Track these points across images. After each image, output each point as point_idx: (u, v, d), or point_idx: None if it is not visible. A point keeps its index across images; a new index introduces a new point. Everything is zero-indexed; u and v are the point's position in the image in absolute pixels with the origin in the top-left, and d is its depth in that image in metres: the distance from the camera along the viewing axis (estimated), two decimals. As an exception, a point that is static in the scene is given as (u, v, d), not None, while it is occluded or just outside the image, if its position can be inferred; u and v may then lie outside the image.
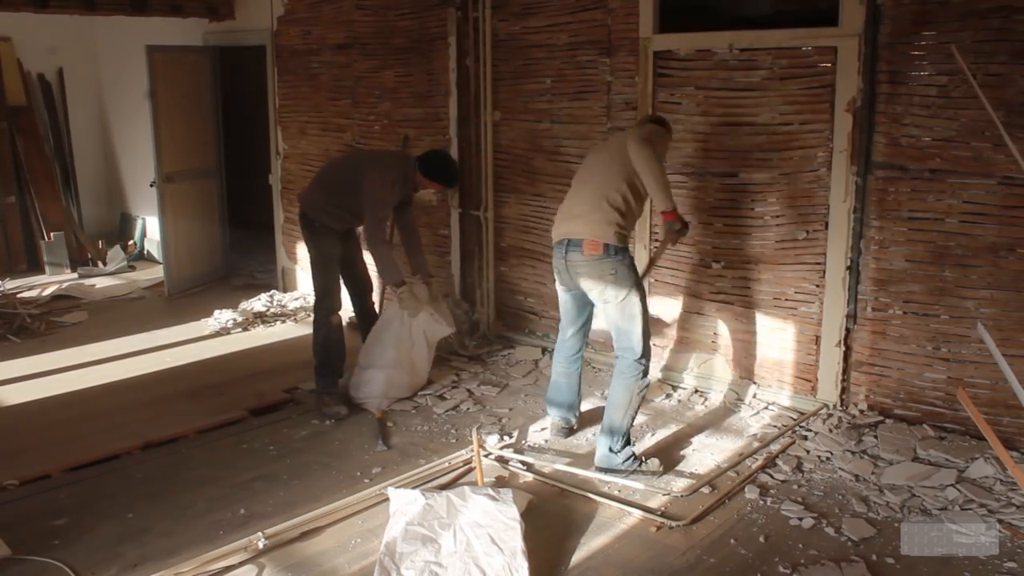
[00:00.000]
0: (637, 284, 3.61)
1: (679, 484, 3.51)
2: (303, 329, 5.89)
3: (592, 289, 3.63)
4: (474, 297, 5.59)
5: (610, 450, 3.64)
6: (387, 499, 3.23)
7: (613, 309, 3.62)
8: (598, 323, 3.94)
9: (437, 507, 3.04)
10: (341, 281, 4.55)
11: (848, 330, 4.06)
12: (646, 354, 3.65)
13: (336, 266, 4.49)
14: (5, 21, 7.21)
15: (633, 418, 3.68)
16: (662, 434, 4.02)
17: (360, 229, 4.57)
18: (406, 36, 5.61)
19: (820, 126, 4.00)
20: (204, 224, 7.07)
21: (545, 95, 4.97)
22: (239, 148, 8.02)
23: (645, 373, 3.65)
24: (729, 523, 3.22)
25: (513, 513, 2.99)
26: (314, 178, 4.65)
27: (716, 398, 4.42)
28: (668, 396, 4.48)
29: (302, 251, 6.67)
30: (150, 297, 6.82)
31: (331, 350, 4.46)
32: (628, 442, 3.67)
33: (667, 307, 4.64)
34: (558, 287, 3.87)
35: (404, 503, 3.11)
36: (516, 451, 3.85)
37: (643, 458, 3.67)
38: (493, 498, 3.06)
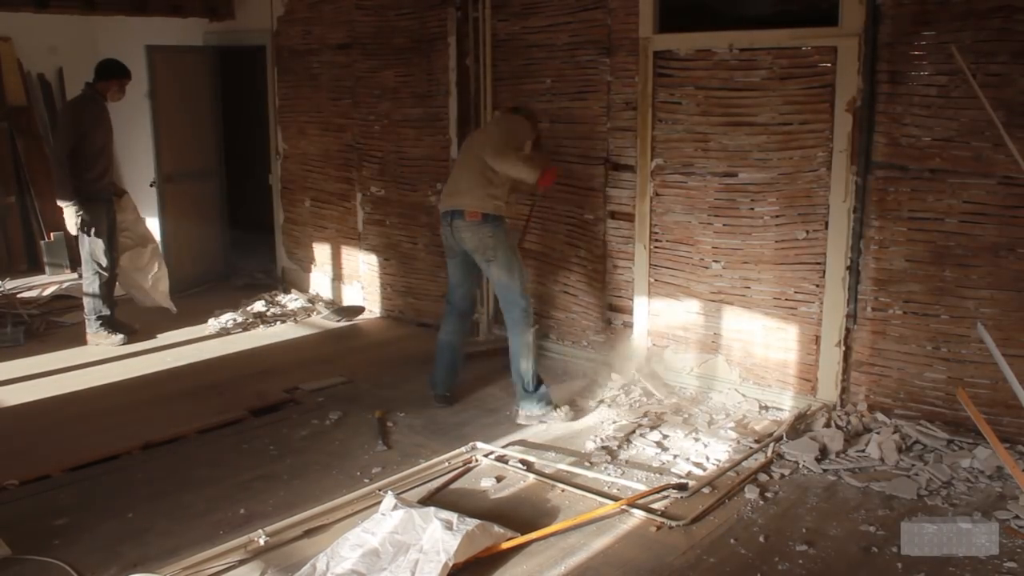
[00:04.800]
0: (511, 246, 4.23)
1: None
2: (303, 329, 5.90)
3: (475, 251, 4.19)
4: (474, 296, 5.57)
5: (524, 390, 4.17)
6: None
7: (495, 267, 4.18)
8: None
9: (400, 521, 3.00)
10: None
11: (848, 330, 4.06)
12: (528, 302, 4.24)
13: None
14: (5, 21, 7.21)
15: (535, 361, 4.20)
16: (663, 431, 4.02)
17: None
18: (406, 36, 5.61)
19: (820, 126, 4.00)
20: (204, 224, 7.07)
21: (545, 95, 4.97)
22: (239, 148, 8.02)
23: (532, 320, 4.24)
24: (729, 523, 3.22)
25: (450, 548, 2.83)
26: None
27: (717, 398, 4.42)
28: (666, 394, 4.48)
29: (302, 252, 6.69)
30: (150, 297, 6.81)
31: None
32: (539, 384, 4.23)
33: (667, 307, 4.65)
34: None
35: (387, 507, 3.12)
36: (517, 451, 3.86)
37: (555, 404, 4.20)
38: (448, 527, 2.94)
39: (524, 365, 4.19)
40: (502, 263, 4.18)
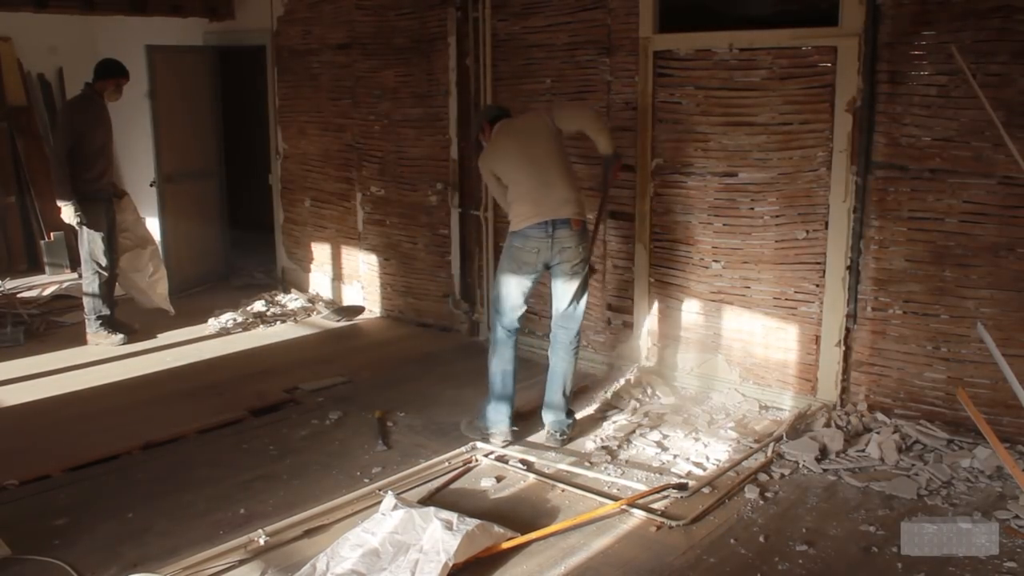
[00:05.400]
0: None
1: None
2: (303, 329, 5.90)
3: (569, 261, 3.89)
4: (474, 297, 5.59)
5: (568, 415, 4.01)
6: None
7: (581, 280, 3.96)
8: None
9: (400, 521, 3.00)
10: None
11: (848, 330, 4.06)
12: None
13: None
14: (5, 21, 7.21)
15: None
16: (663, 431, 4.02)
17: None
18: (406, 36, 5.61)
19: (820, 126, 4.00)
20: (204, 224, 7.07)
21: (545, 95, 4.97)
22: (239, 148, 8.02)
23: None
24: (729, 523, 3.22)
25: (450, 548, 2.83)
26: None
27: (717, 398, 4.42)
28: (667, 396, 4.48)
29: (302, 252, 6.69)
30: (150, 297, 6.82)
31: None
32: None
33: (668, 307, 4.65)
34: (524, 274, 3.96)
35: (387, 507, 3.12)
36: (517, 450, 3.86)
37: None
38: (448, 527, 2.93)
39: (571, 384, 4.04)
40: (586, 275, 3.98)
